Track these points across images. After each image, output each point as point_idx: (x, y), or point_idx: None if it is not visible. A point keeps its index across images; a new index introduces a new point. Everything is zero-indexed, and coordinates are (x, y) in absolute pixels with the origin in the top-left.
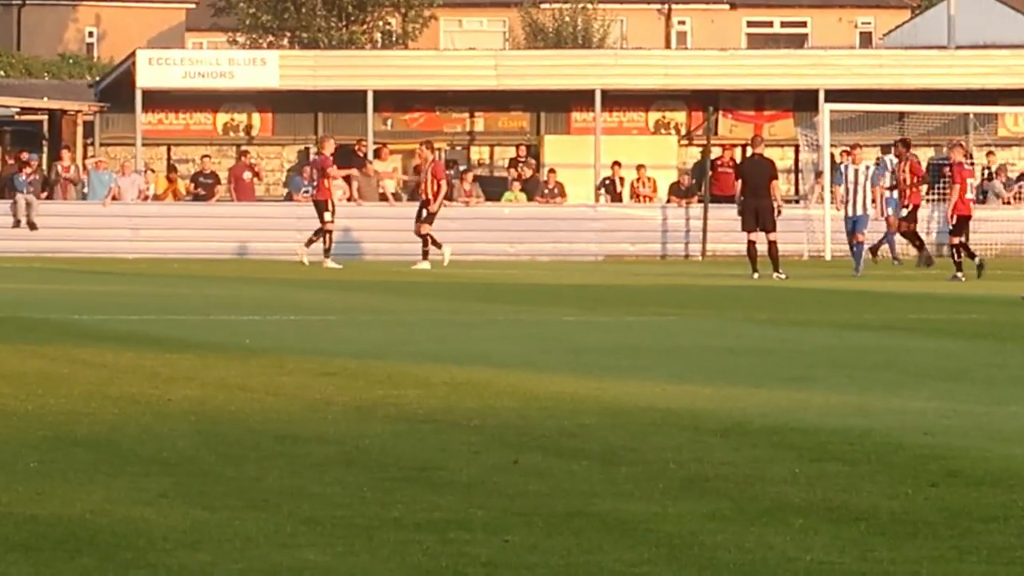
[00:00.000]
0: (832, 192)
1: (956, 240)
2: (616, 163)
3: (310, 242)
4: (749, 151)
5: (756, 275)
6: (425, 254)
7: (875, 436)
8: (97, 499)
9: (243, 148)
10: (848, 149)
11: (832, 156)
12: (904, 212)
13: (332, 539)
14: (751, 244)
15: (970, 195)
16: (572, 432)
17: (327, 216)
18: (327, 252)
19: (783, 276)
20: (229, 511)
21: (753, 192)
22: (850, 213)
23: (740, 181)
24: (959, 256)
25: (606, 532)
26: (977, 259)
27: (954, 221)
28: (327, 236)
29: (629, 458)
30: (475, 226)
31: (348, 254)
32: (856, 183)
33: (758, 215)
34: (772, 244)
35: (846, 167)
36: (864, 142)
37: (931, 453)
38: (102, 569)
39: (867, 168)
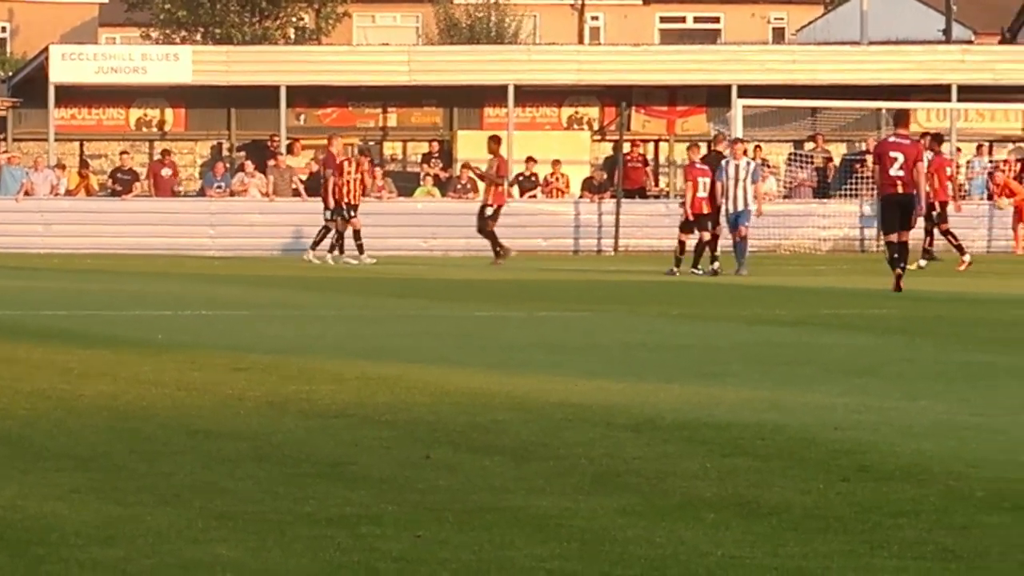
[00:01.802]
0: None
1: (945, 226)
2: (530, 158)
3: (316, 243)
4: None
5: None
6: (497, 253)
7: (787, 431)
8: (9, 495)
9: (165, 148)
10: (733, 143)
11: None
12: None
13: (244, 534)
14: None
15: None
16: (484, 427)
17: (327, 215)
18: (332, 248)
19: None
20: (141, 506)
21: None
22: (730, 209)
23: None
24: (956, 239)
25: (517, 527)
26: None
27: (937, 209)
28: (334, 234)
29: (541, 453)
30: (388, 221)
31: (262, 249)
32: (736, 178)
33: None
34: (714, 239)
35: (726, 162)
36: (777, 137)
37: (842, 448)
38: (13, 565)
39: (748, 163)
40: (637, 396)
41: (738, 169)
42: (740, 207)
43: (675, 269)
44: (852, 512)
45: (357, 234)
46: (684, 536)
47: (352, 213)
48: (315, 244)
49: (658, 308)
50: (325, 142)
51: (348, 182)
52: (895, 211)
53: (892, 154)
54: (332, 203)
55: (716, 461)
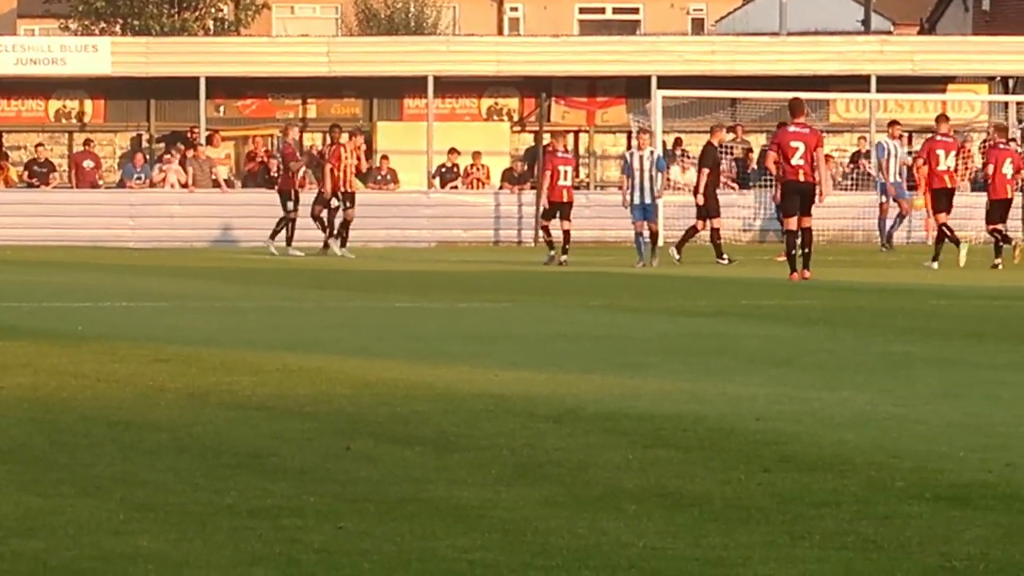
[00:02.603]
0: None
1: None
2: (453, 149)
3: (275, 233)
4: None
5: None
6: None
7: (708, 422)
8: None
9: (87, 138)
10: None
11: (664, 143)
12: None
13: (165, 526)
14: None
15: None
16: (405, 418)
17: (290, 205)
18: (290, 241)
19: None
20: (62, 498)
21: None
22: (636, 201)
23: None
24: (951, 232)
25: (439, 518)
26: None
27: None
28: (290, 225)
29: (462, 444)
30: (306, 212)
31: (182, 240)
32: (641, 170)
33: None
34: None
35: (631, 154)
36: (697, 128)
37: (763, 439)
38: None
39: (651, 154)
40: (558, 387)
41: (642, 160)
42: (648, 199)
43: (553, 255)
44: (773, 503)
45: (346, 225)
46: (606, 527)
47: (348, 203)
48: (274, 234)
49: (579, 299)
50: (280, 133)
51: (345, 168)
52: (795, 198)
53: (793, 143)
54: (329, 192)
55: (638, 452)
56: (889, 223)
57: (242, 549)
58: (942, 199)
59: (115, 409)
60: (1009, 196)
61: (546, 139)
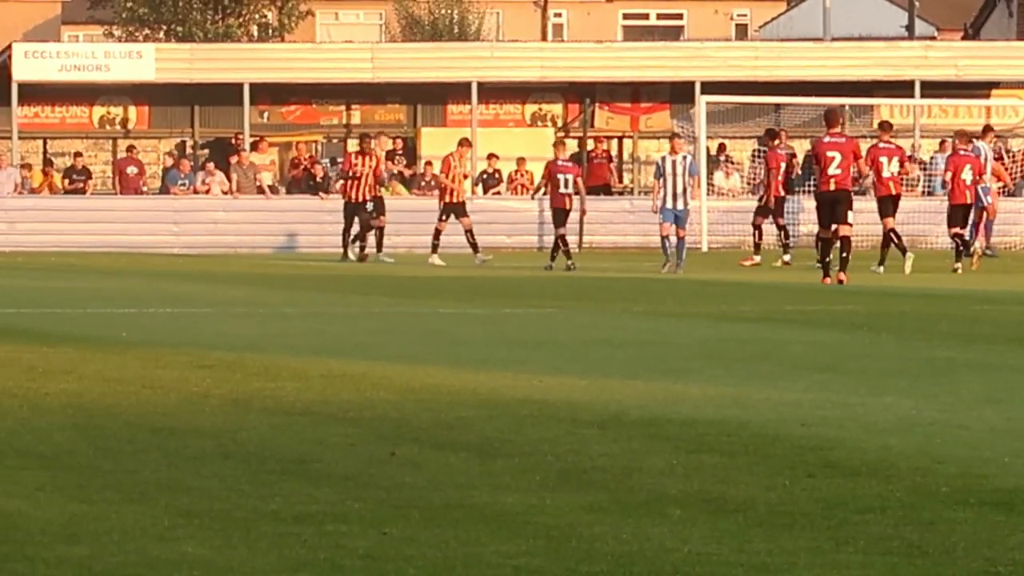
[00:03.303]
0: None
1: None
2: (492, 155)
3: (379, 245)
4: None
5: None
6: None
7: (752, 427)
8: None
9: (130, 144)
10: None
11: (708, 149)
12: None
13: (210, 532)
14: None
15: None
16: (449, 424)
17: (372, 212)
18: (380, 247)
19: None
20: (106, 504)
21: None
22: (668, 206)
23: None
24: (899, 238)
25: (483, 524)
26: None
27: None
28: (379, 232)
29: (506, 450)
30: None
31: (226, 246)
32: (675, 175)
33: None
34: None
35: (663, 159)
36: (740, 134)
37: (808, 444)
38: None
39: (684, 159)
40: (602, 393)
41: (675, 164)
42: (680, 205)
43: (569, 263)
44: (818, 508)
45: (379, 231)
46: (650, 532)
47: (373, 210)
48: (379, 246)
49: (622, 305)
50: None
51: (361, 176)
52: (828, 207)
53: (830, 153)
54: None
55: (682, 457)
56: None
57: (286, 555)
58: (888, 205)
59: (159, 415)
60: (969, 201)
61: (590, 143)
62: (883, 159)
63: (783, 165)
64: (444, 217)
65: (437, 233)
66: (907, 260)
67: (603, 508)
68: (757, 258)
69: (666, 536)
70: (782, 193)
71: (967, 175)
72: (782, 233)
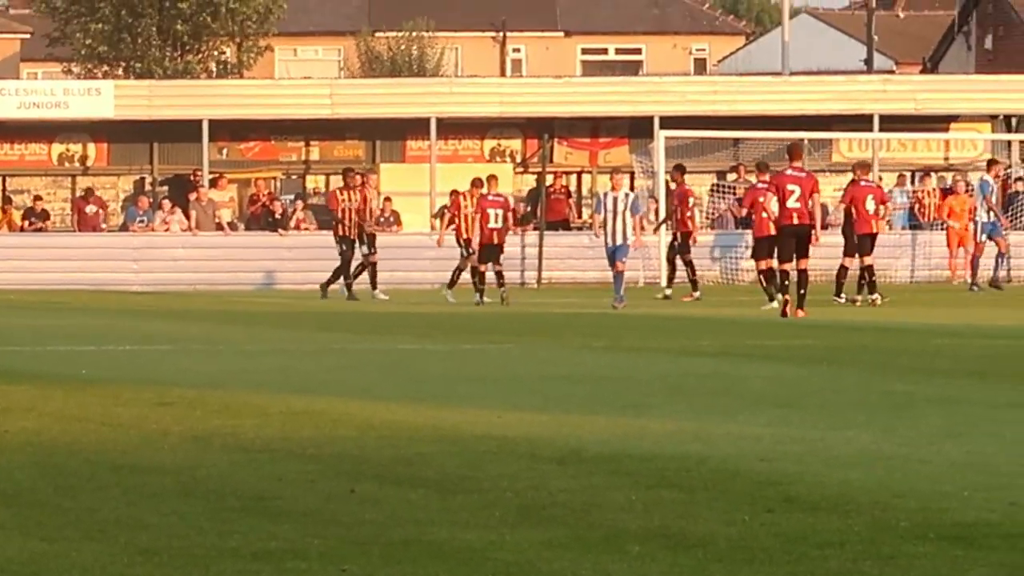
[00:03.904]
0: (591, 219)
1: (688, 256)
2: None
3: (356, 274)
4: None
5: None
6: (694, 284)
7: (712, 463)
8: None
9: (88, 187)
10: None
11: (667, 183)
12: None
13: (170, 570)
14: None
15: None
16: (409, 460)
17: (364, 249)
18: (373, 284)
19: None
20: (66, 542)
21: None
22: (609, 243)
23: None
24: (694, 273)
25: (442, 560)
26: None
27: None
28: (371, 268)
29: (466, 486)
30: (310, 255)
31: (185, 283)
32: (615, 211)
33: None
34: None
35: (604, 194)
36: (699, 168)
37: (768, 479)
38: None
39: (626, 196)
40: (562, 428)
41: (616, 201)
42: (619, 240)
43: (503, 294)
44: (777, 543)
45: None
46: (610, 569)
47: (363, 246)
48: (372, 283)
49: (582, 340)
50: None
51: (345, 211)
52: (791, 241)
53: (790, 187)
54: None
55: (641, 493)
56: (990, 263)
57: None
58: (770, 245)
59: (119, 453)
60: (874, 230)
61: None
62: (762, 199)
63: (691, 200)
64: (471, 253)
65: (459, 271)
66: (774, 302)
67: (562, 544)
68: (696, 293)
69: (625, 572)
70: (690, 228)
71: (870, 205)
72: (689, 268)
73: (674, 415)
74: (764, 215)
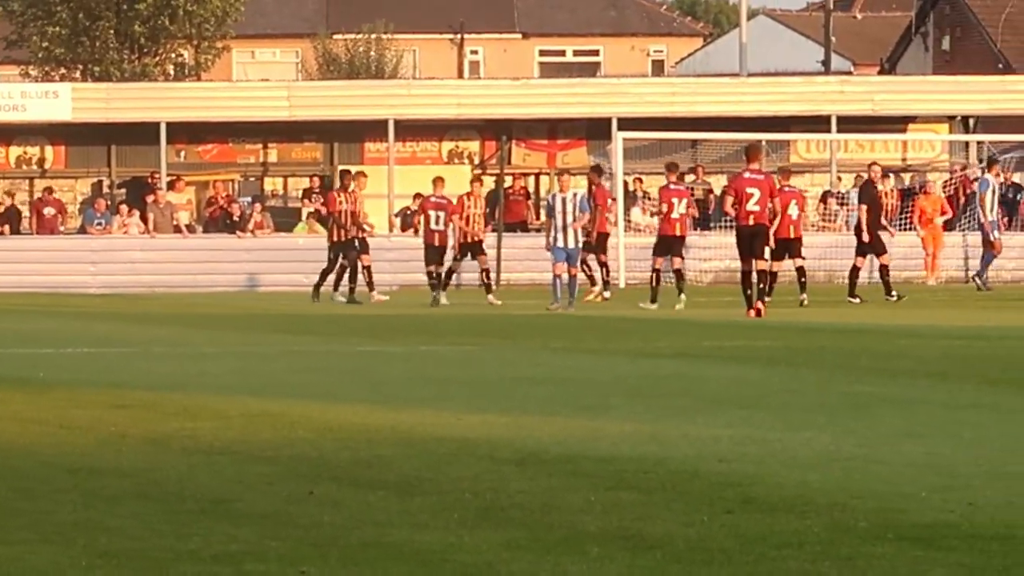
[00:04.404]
0: (545, 225)
1: (604, 258)
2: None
3: (354, 279)
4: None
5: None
6: (607, 284)
7: (670, 464)
8: None
9: (47, 187)
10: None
11: (625, 184)
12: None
13: (127, 572)
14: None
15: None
16: (368, 462)
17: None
18: (370, 286)
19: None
20: (24, 545)
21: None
22: (560, 244)
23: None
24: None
25: (402, 562)
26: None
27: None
28: (367, 271)
29: (425, 488)
30: (268, 257)
31: (144, 286)
32: (564, 212)
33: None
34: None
35: (553, 196)
36: (658, 170)
37: (726, 480)
38: None
39: (574, 195)
40: (521, 430)
41: (565, 202)
42: (571, 244)
43: (436, 297)
44: (736, 544)
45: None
46: (569, 570)
47: (360, 250)
48: (369, 284)
49: (541, 341)
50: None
51: (343, 213)
52: (749, 241)
53: (749, 189)
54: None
55: (600, 494)
56: (982, 265)
57: None
58: (673, 245)
59: (77, 455)
60: (794, 235)
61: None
62: (674, 200)
63: (610, 201)
64: (460, 257)
65: (450, 272)
66: (679, 301)
67: (521, 545)
68: (596, 289)
69: (584, 573)
70: (607, 229)
71: (793, 210)
72: (604, 269)
73: (633, 416)
74: (673, 216)
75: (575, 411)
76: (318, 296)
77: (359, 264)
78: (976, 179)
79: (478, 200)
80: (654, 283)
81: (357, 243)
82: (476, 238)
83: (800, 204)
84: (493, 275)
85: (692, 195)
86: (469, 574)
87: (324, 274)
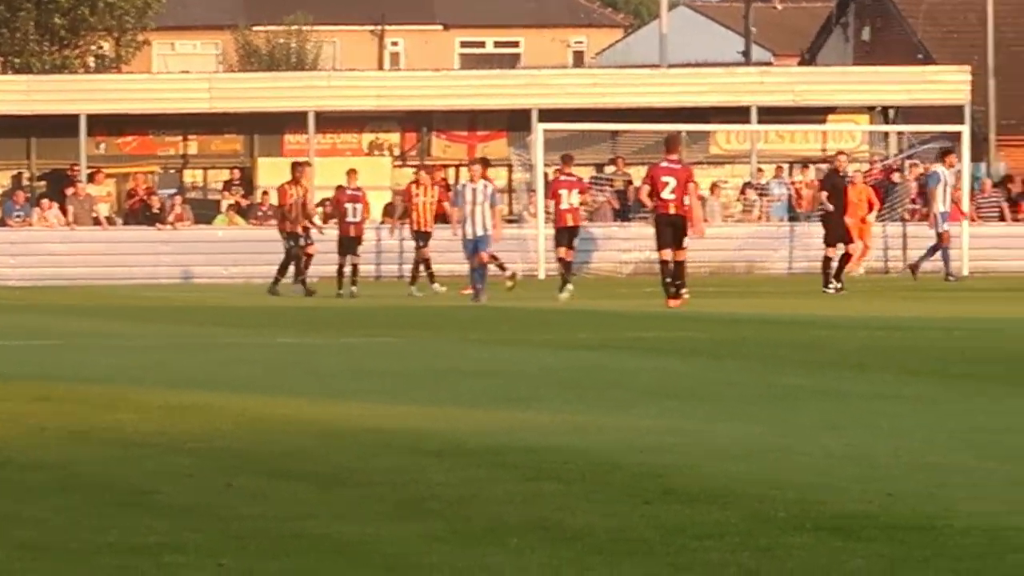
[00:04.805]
0: (451, 213)
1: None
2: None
3: (300, 271)
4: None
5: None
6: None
7: (591, 455)
8: None
9: None
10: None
11: (546, 175)
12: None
13: (48, 564)
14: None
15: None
16: (289, 454)
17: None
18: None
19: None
20: None
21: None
22: (469, 235)
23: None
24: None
25: (322, 554)
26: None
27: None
28: (307, 260)
29: (346, 480)
30: (188, 249)
31: (64, 278)
32: (474, 202)
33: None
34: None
35: (463, 186)
36: (578, 161)
37: (647, 471)
38: None
39: (484, 186)
40: (443, 421)
41: (475, 193)
42: (480, 232)
43: (352, 290)
44: (656, 535)
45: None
46: (489, 561)
47: (305, 240)
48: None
49: (462, 333)
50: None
51: (293, 206)
52: (667, 230)
53: (664, 178)
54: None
55: (521, 486)
56: (924, 253)
57: None
58: (564, 235)
59: None
60: (571, 223)
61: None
62: (563, 192)
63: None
64: (422, 244)
65: (426, 263)
66: (565, 291)
67: (442, 537)
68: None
69: (505, 565)
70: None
71: (570, 200)
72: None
73: (555, 408)
74: (563, 207)
75: (497, 402)
76: (276, 290)
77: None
78: (897, 170)
79: (427, 189)
80: (565, 270)
81: (304, 234)
82: (426, 228)
83: (581, 191)
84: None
85: (588, 185)
86: (390, 565)
87: (283, 268)
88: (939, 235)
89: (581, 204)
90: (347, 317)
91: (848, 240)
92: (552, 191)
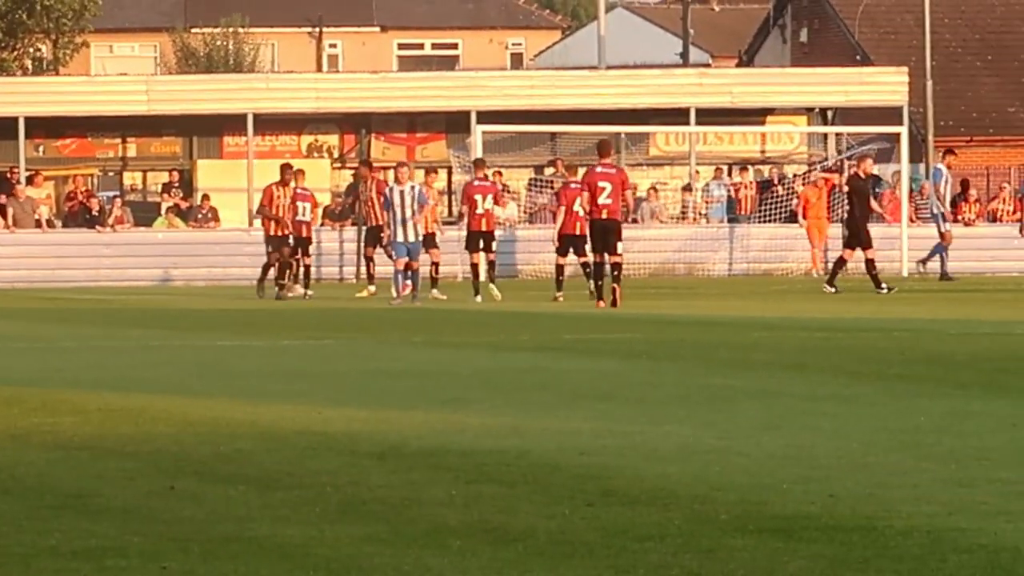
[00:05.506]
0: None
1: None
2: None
3: (282, 275)
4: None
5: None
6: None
7: (531, 457)
8: None
9: None
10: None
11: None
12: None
13: None
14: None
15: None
16: (228, 457)
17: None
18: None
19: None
20: None
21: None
22: (399, 239)
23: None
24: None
25: (263, 556)
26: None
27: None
28: (298, 266)
29: (286, 482)
30: (128, 251)
31: (3, 281)
32: (403, 206)
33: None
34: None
35: (391, 190)
36: (517, 163)
37: (587, 473)
38: None
39: (412, 188)
40: (381, 424)
41: (403, 195)
42: (411, 236)
43: (307, 292)
44: (598, 537)
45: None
46: (430, 563)
47: (288, 245)
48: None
49: (400, 335)
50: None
51: (277, 208)
52: (600, 235)
53: (600, 183)
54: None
55: (461, 488)
56: (930, 253)
57: None
58: (476, 240)
59: None
60: (579, 232)
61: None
62: (477, 196)
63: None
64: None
65: (269, 266)
66: (492, 290)
67: (383, 539)
68: (372, 288)
69: (446, 567)
70: (381, 223)
71: (485, 204)
72: (371, 264)
73: (494, 410)
74: (478, 211)
75: (436, 405)
76: (262, 291)
77: (292, 261)
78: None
79: (289, 188)
80: (475, 278)
81: (291, 240)
82: (286, 232)
83: (495, 197)
84: (352, 269)
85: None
86: (331, 568)
87: (265, 268)
88: (941, 235)
89: (496, 207)
90: (285, 320)
91: (867, 245)
92: (467, 196)
